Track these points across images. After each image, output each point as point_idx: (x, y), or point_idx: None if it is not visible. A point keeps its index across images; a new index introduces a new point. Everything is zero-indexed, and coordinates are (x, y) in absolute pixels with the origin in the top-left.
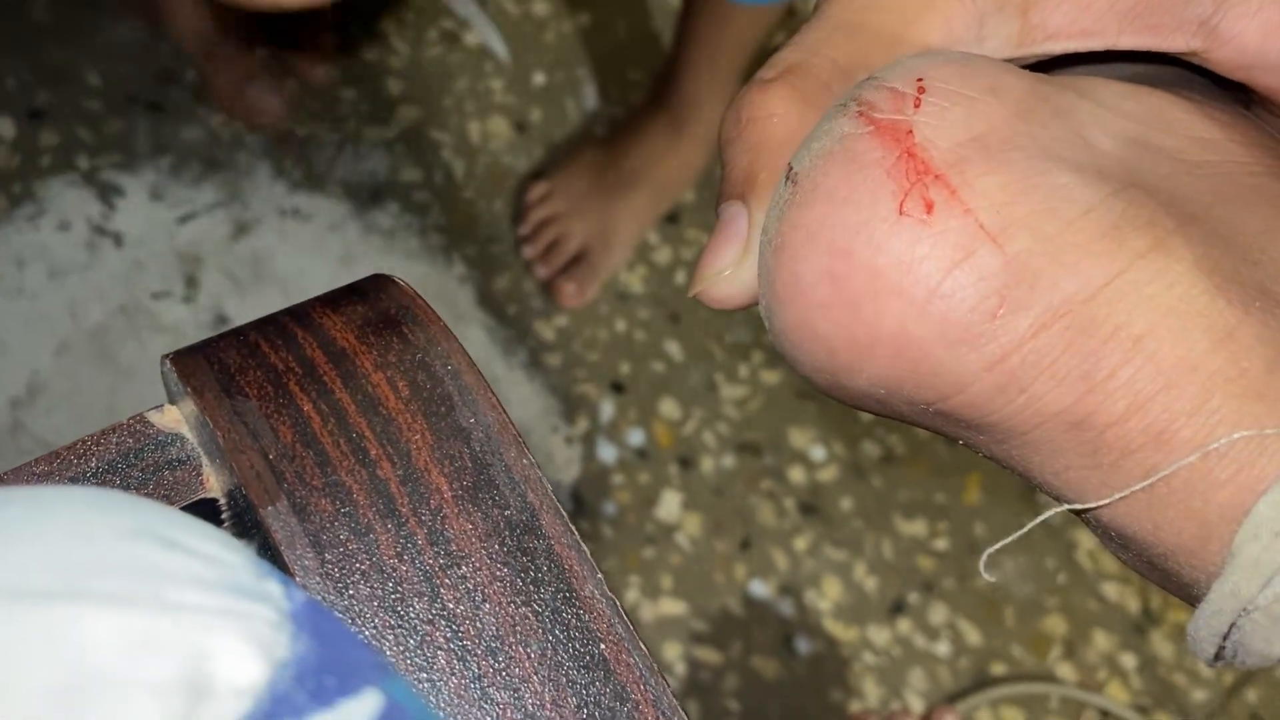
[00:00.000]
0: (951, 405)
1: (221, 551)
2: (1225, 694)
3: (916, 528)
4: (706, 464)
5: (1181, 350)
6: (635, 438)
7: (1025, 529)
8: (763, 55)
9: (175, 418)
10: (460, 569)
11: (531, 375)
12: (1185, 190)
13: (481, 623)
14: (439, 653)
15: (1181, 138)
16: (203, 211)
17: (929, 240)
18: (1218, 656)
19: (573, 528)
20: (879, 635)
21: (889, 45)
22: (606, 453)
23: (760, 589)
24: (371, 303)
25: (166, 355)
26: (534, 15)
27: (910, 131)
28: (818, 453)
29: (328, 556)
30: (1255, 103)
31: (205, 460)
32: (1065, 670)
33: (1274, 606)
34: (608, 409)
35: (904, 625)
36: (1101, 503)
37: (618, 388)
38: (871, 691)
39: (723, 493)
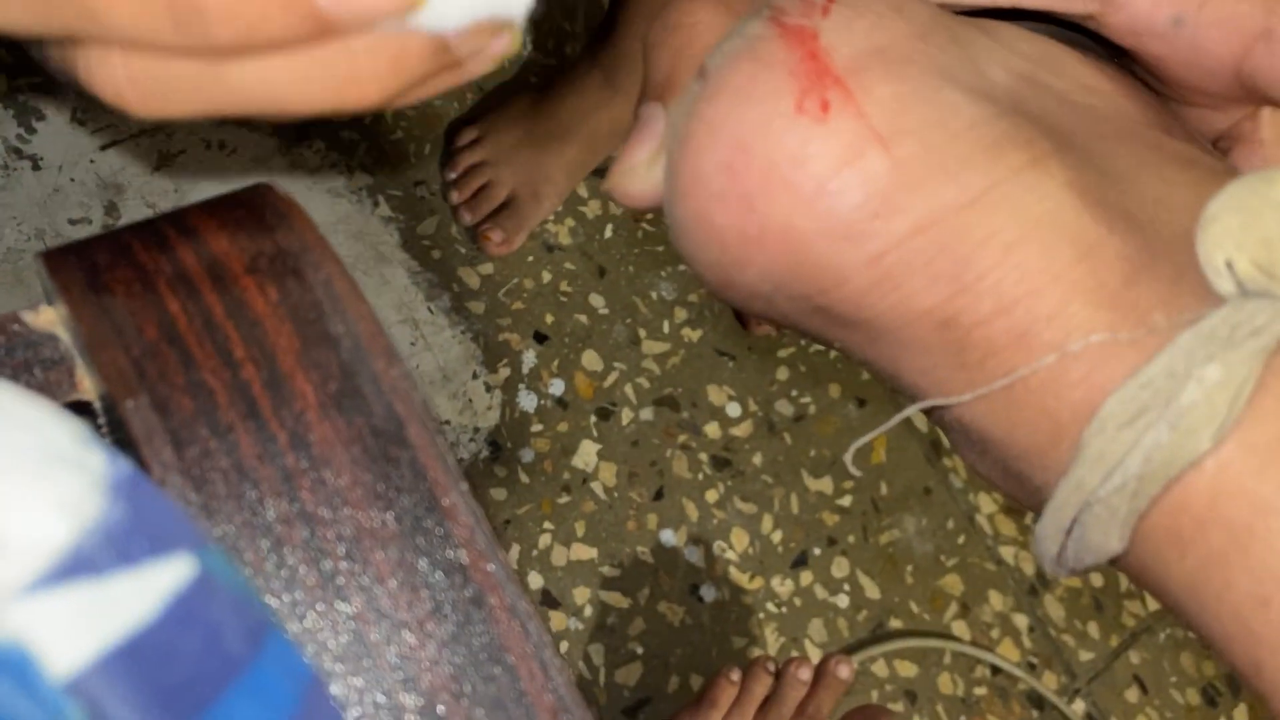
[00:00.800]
0: (830, 299)
1: (45, 421)
2: (1110, 656)
3: (823, 484)
4: (625, 416)
5: (1047, 259)
6: (556, 387)
7: (891, 423)
8: None
9: (50, 318)
10: (320, 472)
11: (454, 321)
12: (1067, 123)
13: (340, 526)
14: (295, 552)
15: (1070, 81)
16: (125, 139)
17: (821, 139)
18: (1060, 560)
19: (441, 437)
20: (782, 586)
21: None
22: (527, 401)
23: (670, 538)
24: (248, 209)
25: (39, 253)
26: None
27: (816, 36)
28: (734, 409)
29: (186, 453)
30: (1145, 78)
31: (78, 361)
32: (960, 628)
33: (1113, 498)
34: (530, 358)
35: (806, 577)
36: (964, 397)
37: (541, 338)
38: (772, 640)
39: (639, 444)
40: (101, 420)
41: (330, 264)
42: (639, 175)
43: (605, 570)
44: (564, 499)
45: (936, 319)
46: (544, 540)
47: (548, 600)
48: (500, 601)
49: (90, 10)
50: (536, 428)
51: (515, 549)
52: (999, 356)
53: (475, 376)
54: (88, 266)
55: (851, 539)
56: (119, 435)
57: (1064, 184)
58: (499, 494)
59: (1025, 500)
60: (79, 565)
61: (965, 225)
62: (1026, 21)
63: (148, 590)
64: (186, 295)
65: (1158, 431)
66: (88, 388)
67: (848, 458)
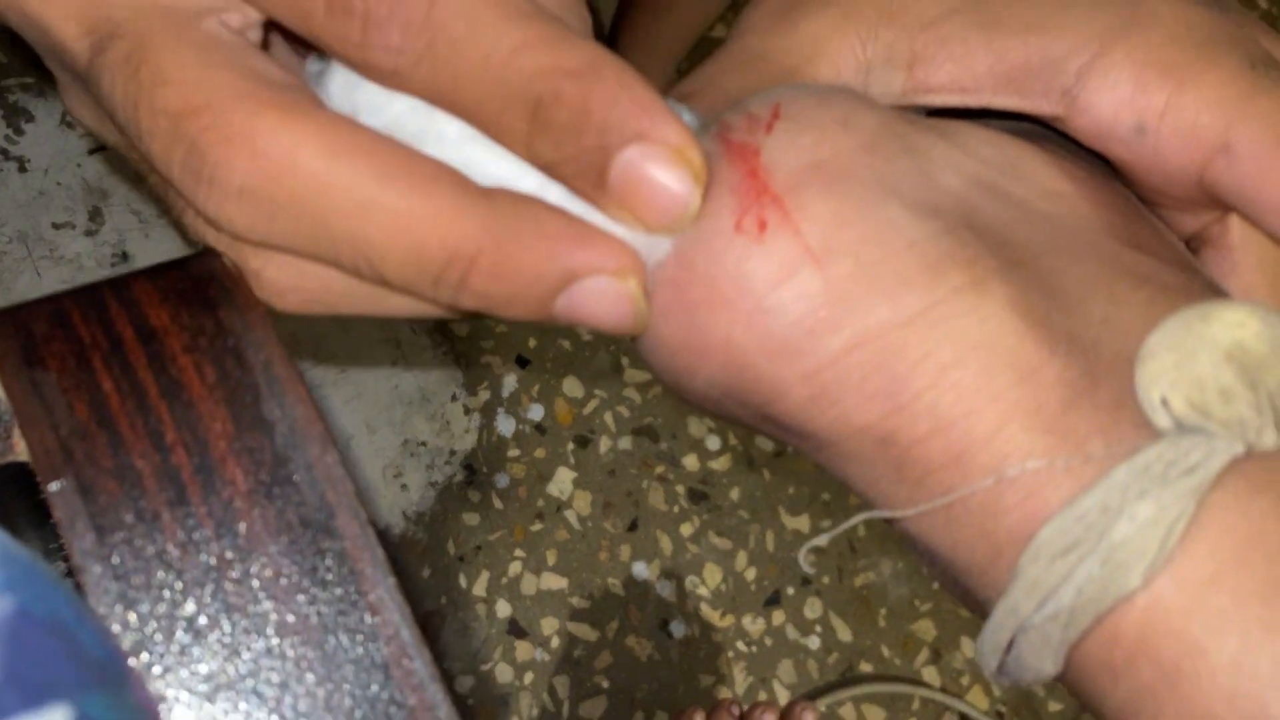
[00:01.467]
0: (773, 411)
1: None
2: (1079, 707)
3: (800, 523)
4: (604, 444)
5: (984, 381)
6: (535, 412)
7: (838, 530)
8: (700, 46)
9: None
10: (246, 564)
11: (437, 342)
12: (1020, 236)
13: (262, 619)
14: (213, 646)
15: (1031, 187)
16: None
17: (758, 257)
18: (1000, 670)
19: (370, 529)
20: (753, 625)
21: (784, 76)
22: (505, 425)
23: (642, 570)
24: (193, 281)
25: None
26: None
27: (758, 153)
28: (713, 442)
29: (109, 539)
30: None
31: (16, 424)
32: (930, 674)
33: (1047, 625)
34: (510, 382)
35: (778, 617)
36: (905, 513)
37: (522, 362)
38: (741, 679)
39: (616, 474)
40: (40, 482)
41: (271, 345)
42: None
43: (575, 601)
44: (537, 526)
45: (875, 435)
46: (514, 568)
47: (515, 629)
48: (421, 702)
49: (366, 256)
50: (513, 453)
51: (485, 575)
52: (937, 475)
53: (455, 398)
54: (24, 336)
55: (826, 579)
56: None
57: (1005, 304)
58: (471, 519)
59: (973, 609)
60: None
61: (901, 344)
62: (998, 120)
63: None
64: (121, 373)
65: (1089, 565)
66: (24, 450)
67: (801, 555)
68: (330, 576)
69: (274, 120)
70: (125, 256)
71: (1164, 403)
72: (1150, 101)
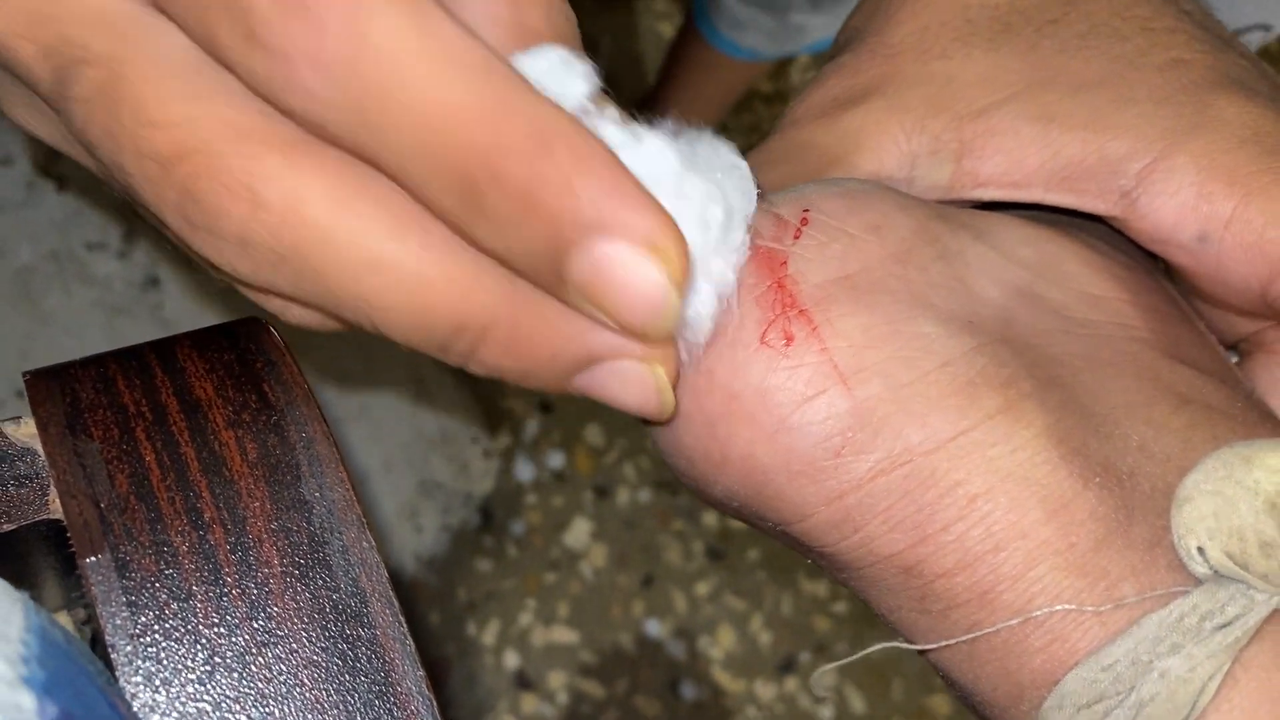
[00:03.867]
0: (794, 530)
1: None
2: None
3: (818, 588)
4: (622, 496)
5: (1015, 516)
6: (555, 460)
7: (856, 656)
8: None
9: (31, 431)
10: (277, 648)
11: (460, 383)
12: (1058, 349)
13: (289, 706)
14: None
15: (1071, 292)
16: None
17: (783, 373)
18: None
19: (402, 618)
20: (765, 690)
21: (826, 167)
22: (524, 471)
23: (655, 628)
24: (239, 352)
25: (27, 373)
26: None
27: (785, 263)
28: None
29: (142, 618)
30: (1166, 269)
31: (52, 482)
32: None
33: None
34: (532, 427)
35: (791, 684)
36: (928, 647)
37: (546, 407)
38: None
39: (634, 527)
40: (71, 539)
41: (315, 423)
42: None
43: (584, 656)
44: (550, 577)
45: (899, 565)
46: (525, 618)
47: (522, 681)
48: None
49: (369, 316)
50: (531, 499)
51: (495, 624)
52: (961, 610)
53: (475, 441)
54: (70, 401)
55: (841, 647)
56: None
57: (1040, 432)
58: (484, 565)
59: None
60: None
61: (930, 472)
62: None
63: None
64: (163, 445)
65: None
66: (58, 508)
67: (815, 678)
68: (360, 665)
69: (276, 166)
70: (156, 281)
71: (1201, 551)
72: (1215, 210)
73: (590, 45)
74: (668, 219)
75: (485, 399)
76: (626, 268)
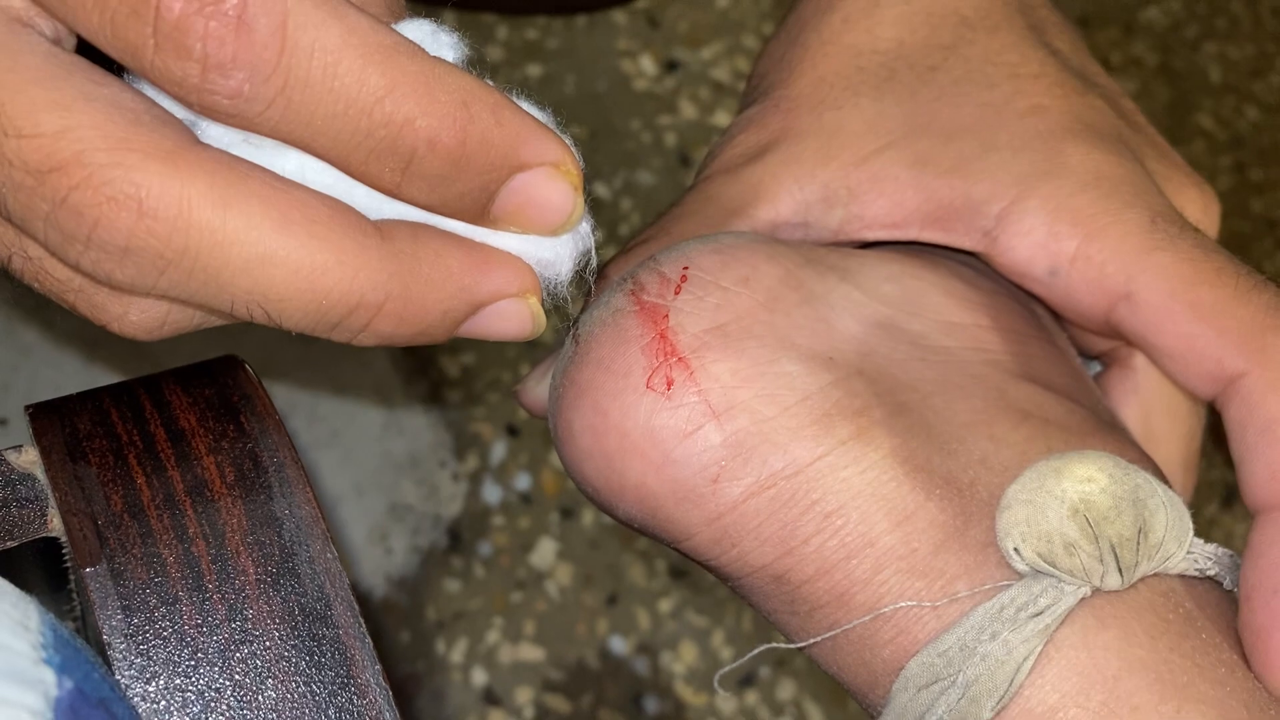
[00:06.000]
0: (684, 547)
1: (10, 637)
2: None
3: None
4: (587, 517)
5: (864, 528)
6: (522, 482)
7: (749, 655)
8: None
9: (31, 459)
10: (253, 645)
11: (429, 408)
12: (913, 376)
13: (263, 696)
14: (220, 716)
15: (930, 321)
16: None
17: (666, 413)
18: None
19: (361, 620)
20: (726, 704)
21: (729, 219)
22: (491, 493)
23: (619, 645)
24: (218, 388)
25: (29, 406)
26: (488, 60)
27: (666, 315)
28: None
29: (134, 620)
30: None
31: (51, 502)
32: None
33: None
34: (499, 451)
35: (751, 698)
36: (796, 645)
37: (512, 431)
38: None
39: (598, 547)
40: (66, 555)
41: (285, 449)
42: (529, 390)
43: (550, 672)
44: (517, 596)
45: (770, 574)
46: (493, 636)
47: (490, 698)
48: None
49: (264, 307)
50: (498, 521)
51: (463, 643)
52: (823, 611)
53: (443, 465)
54: (69, 432)
55: (801, 662)
56: (78, 580)
57: (887, 454)
58: (453, 586)
59: None
60: None
61: (792, 493)
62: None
63: None
64: (152, 470)
65: (949, 697)
66: (56, 526)
67: (716, 680)
68: (325, 660)
69: (159, 172)
70: None
71: (1017, 551)
72: (1062, 248)
73: (554, 82)
74: (563, 142)
75: (453, 424)
76: (543, 190)
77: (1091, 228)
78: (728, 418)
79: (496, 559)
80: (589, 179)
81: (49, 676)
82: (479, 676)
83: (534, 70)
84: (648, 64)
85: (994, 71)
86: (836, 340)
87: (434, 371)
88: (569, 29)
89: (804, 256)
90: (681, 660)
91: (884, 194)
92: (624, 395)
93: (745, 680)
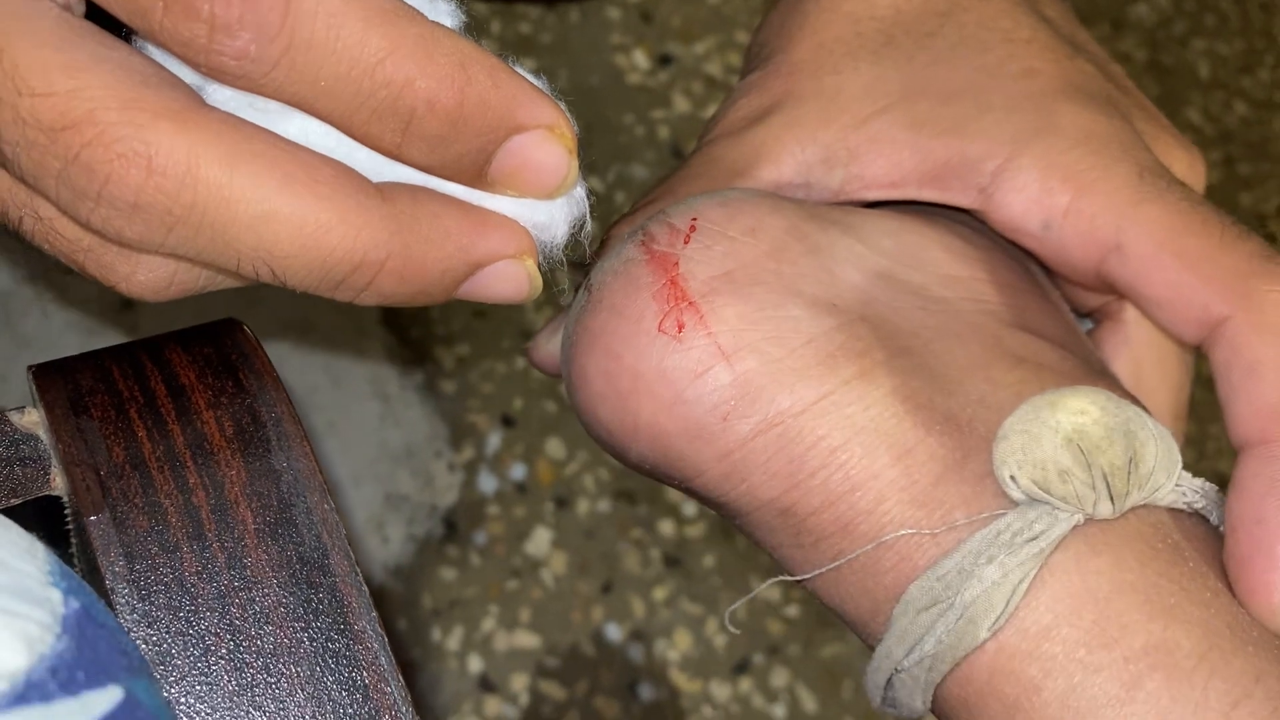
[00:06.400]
0: (695, 485)
1: (18, 561)
2: None
3: (771, 592)
4: (582, 506)
5: (867, 461)
6: (517, 472)
7: (754, 593)
8: None
9: (33, 420)
10: (250, 592)
11: (424, 398)
12: (913, 323)
13: (261, 641)
14: (219, 661)
15: (928, 274)
16: None
17: (678, 354)
18: (883, 703)
19: (358, 569)
20: (720, 691)
21: (733, 179)
22: (487, 483)
23: (614, 632)
24: (217, 346)
25: (31, 366)
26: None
27: (676, 263)
28: (690, 508)
29: (136, 566)
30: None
31: (54, 461)
32: None
33: (915, 669)
34: (494, 441)
35: (745, 684)
36: (803, 577)
37: (508, 421)
38: None
39: (593, 536)
40: (68, 513)
41: (283, 405)
42: (540, 347)
43: (546, 660)
44: (513, 584)
45: (777, 508)
46: (488, 624)
47: (485, 685)
48: None
49: (268, 265)
50: (493, 510)
51: (459, 630)
52: (828, 542)
53: (439, 455)
54: (72, 388)
55: (793, 649)
56: (80, 531)
57: (889, 392)
58: (448, 574)
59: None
60: (31, 693)
61: (799, 430)
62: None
63: (84, 716)
64: (153, 423)
65: (948, 619)
66: (59, 485)
67: (726, 618)
68: (322, 607)
69: (168, 131)
70: (131, 303)
71: (1013, 479)
72: (1054, 203)
73: (547, 76)
74: (557, 106)
75: (449, 415)
76: (539, 152)
77: (1082, 182)
78: (737, 358)
79: (492, 548)
80: (583, 172)
81: (56, 596)
82: (475, 663)
83: (527, 64)
84: (641, 58)
85: (988, 37)
86: (840, 289)
87: (430, 363)
88: (562, 24)
89: (807, 212)
90: (676, 647)
91: (883, 155)
92: (637, 339)
93: (739, 668)
